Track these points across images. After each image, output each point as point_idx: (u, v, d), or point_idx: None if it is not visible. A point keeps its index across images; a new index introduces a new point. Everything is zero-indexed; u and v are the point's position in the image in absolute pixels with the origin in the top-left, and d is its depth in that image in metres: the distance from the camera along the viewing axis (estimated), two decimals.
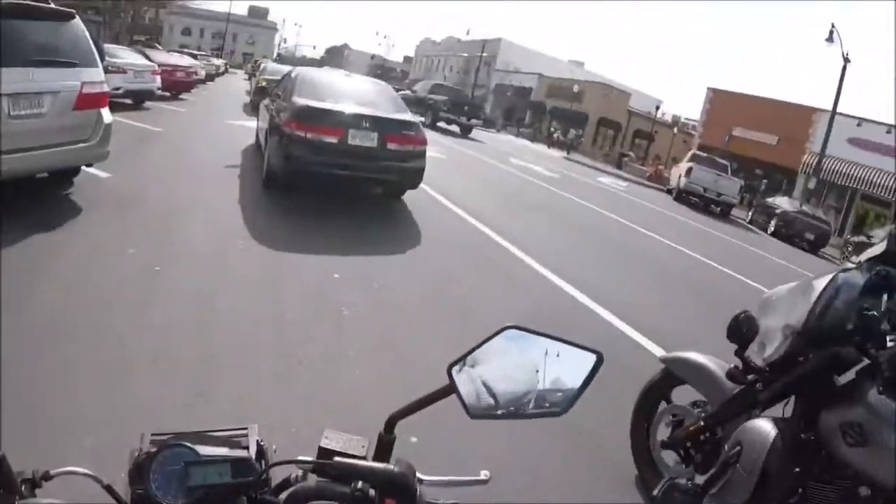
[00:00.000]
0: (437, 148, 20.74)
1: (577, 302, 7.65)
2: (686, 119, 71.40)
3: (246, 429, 1.20)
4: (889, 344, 2.47)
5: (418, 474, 1.10)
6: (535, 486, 3.78)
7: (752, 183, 43.37)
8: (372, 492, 1.04)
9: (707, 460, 3.34)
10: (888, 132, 40.30)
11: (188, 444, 1.07)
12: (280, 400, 4.01)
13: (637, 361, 5.34)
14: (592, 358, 1.24)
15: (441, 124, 35.07)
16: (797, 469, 2.77)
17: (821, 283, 2.83)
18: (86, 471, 1.07)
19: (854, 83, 79.09)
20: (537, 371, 1.21)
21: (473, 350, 1.16)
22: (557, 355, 1.23)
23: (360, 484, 1.03)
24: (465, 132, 36.03)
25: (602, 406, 4.71)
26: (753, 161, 46.46)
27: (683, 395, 3.76)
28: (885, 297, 2.77)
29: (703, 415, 3.47)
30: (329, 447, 1.16)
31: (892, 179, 38.92)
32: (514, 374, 1.20)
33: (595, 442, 4.35)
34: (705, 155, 33.04)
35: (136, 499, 1.06)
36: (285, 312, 5.48)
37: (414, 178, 10.18)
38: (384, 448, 1.17)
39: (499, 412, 1.20)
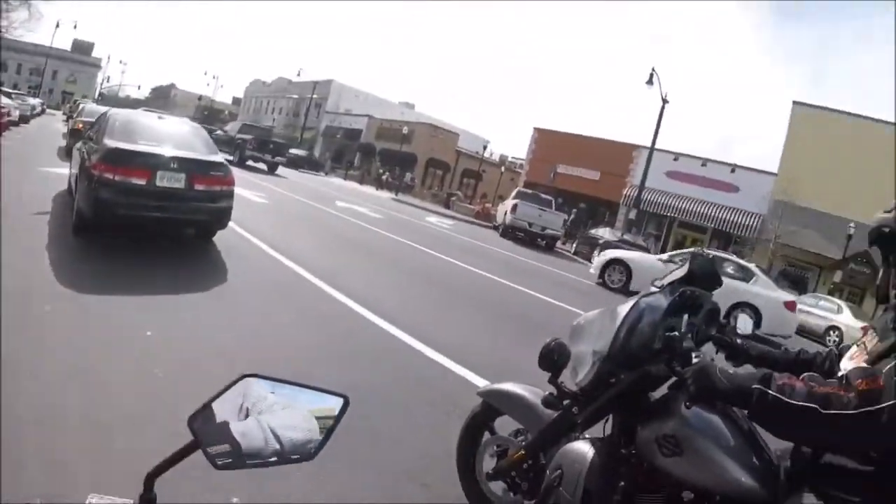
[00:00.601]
0: (258, 192, 20.57)
1: (396, 339, 7.55)
2: (513, 158, 74.13)
3: None
4: (694, 360, 2.61)
5: None
6: None
7: (578, 216, 45.40)
8: None
9: (533, 487, 3.37)
10: (702, 165, 44.29)
11: None
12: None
13: (465, 396, 5.28)
14: (339, 401, 1.24)
15: (249, 163, 36.25)
16: (622, 483, 2.86)
17: (625, 309, 2.92)
18: None
19: (672, 120, 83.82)
20: (281, 418, 1.20)
21: (213, 400, 1.13)
22: (301, 401, 1.23)
23: None
24: (272, 170, 37.52)
25: (429, 443, 4.78)
26: (578, 195, 48.62)
27: (507, 425, 3.79)
28: (685, 316, 2.95)
29: (523, 443, 3.51)
30: None
31: (705, 207, 42.61)
32: (256, 423, 1.18)
33: (424, 480, 4.32)
34: (530, 191, 33.94)
35: None
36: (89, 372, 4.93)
37: (222, 217, 10.07)
38: None
39: (246, 462, 1.16)
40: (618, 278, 19.49)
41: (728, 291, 14.67)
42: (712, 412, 2.69)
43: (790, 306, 18.16)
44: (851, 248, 37.30)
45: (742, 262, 19.95)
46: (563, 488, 2.91)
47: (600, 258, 20.68)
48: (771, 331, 16.89)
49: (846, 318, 26.86)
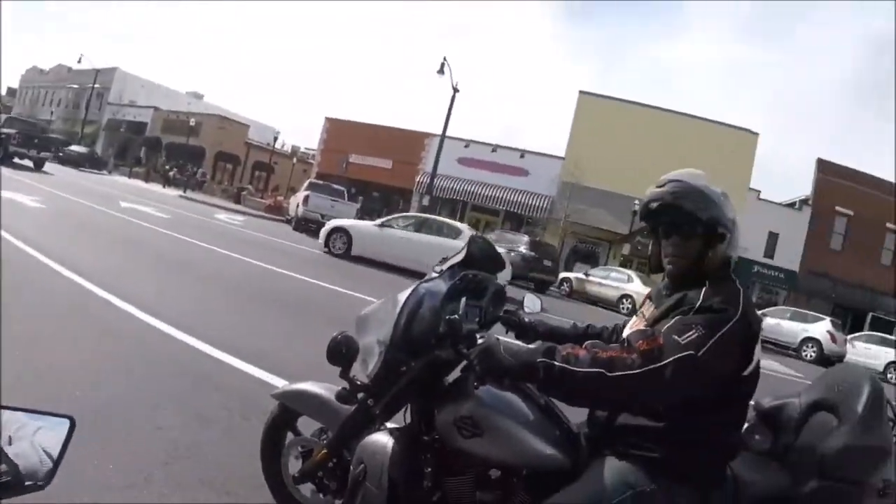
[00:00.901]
0: (34, 195, 19.24)
1: (188, 346, 7.11)
2: (306, 149, 72.97)
3: None
4: (479, 341, 2.58)
5: None
6: None
7: (371, 205, 46.33)
8: None
9: (341, 486, 3.32)
10: (493, 151, 46.35)
11: None
12: None
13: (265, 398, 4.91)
14: (65, 423, 1.16)
15: (15, 160, 34.07)
16: (429, 469, 2.89)
17: (404, 295, 2.93)
18: None
19: (463, 109, 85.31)
20: (11, 445, 1.11)
21: None
22: (29, 427, 1.13)
23: None
24: (38, 166, 35.31)
25: (230, 449, 4.60)
26: (371, 184, 49.26)
27: (310, 425, 3.70)
28: (463, 299, 2.90)
29: (324, 441, 3.43)
30: None
31: (497, 191, 44.48)
32: None
33: (228, 488, 4.13)
34: (321, 182, 33.82)
35: None
36: None
37: None
38: None
39: None
40: (340, 245, 21.03)
41: (435, 246, 18.19)
42: (506, 389, 2.74)
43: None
44: (637, 223, 39.40)
45: (452, 222, 22.38)
46: (369, 482, 2.89)
47: (325, 228, 22.12)
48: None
49: (637, 287, 28.71)
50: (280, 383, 5.43)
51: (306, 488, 3.65)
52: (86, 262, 10.56)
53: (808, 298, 42.98)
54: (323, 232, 21.87)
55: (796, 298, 42.38)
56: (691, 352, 2.28)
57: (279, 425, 3.82)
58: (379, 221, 21.99)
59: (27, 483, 1.13)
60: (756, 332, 2.48)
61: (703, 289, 2.49)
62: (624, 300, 28.40)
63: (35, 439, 1.15)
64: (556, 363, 2.36)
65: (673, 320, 2.42)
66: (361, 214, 36.28)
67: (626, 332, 2.87)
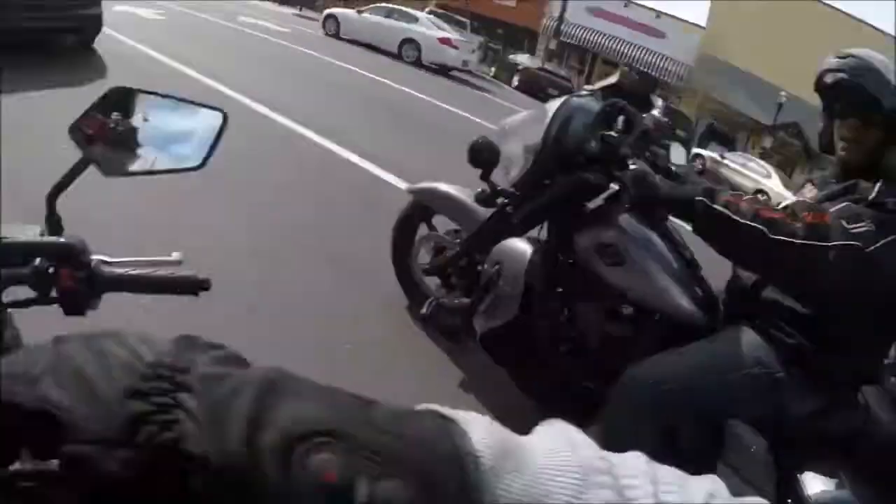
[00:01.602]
0: (156, 9, 18.82)
1: (331, 153, 7.38)
2: None
3: None
4: (631, 167, 2.54)
5: (104, 257, 1.05)
6: (303, 316, 3.75)
7: (496, 44, 44.32)
8: (50, 268, 0.99)
9: (468, 284, 3.45)
10: (625, 6, 42.78)
11: None
12: None
13: (389, 198, 5.48)
14: (218, 115, 1.20)
15: None
16: (560, 289, 3.00)
17: (555, 105, 2.96)
18: None
19: None
20: (162, 129, 1.18)
21: (90, 109, 1.09)
22: (180, 114, 1.20)
23: (37, 261, 0.98)
24: None
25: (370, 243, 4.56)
26: (494, 21, 46.40)
27: (440, 225, 3.88)
28: (621, 119, 2.91)
29: (458, 241, 3.58)
30: None
31: (630, 48, 41.70)
32: (138, 134, 1.14)
33: (363, 276, 4.39)
34: (441, 11, 32.46)
35: None
36: None
37: (95, 23, 8.98)
38: (53, 228, 1.09)
39: (130, 169, 1.18)
40: (332, 28, 24.19)
41: (396, 30, 22.85)
42: (653, 229, 2.78)
43: (444, 41, 22.93)
44: (781, 118, 37.24)
45: (408, 10, 24.68)
46: (503, 282, 2.96)
47: (323, 15, 25.51)
48: (430, 61, 22.54)
49: (775, 184, 25.60)
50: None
51: (432, 281, 3.86)
52: (213, 65, 10.58)
53: None
54: (321, 18, 25.68)
55: None
56: (859, 244, 2.12)
57: (413, 219, 3.93)
58: (357, 10, 24.96)
59: (181, 166, 1.18)
60: None
61: (878, 184, 2.27)
62: (759, 195, 25.48)
63: (190, 123, 1.18)
64: (715, 206, 2.30)
65: (843, 204, 2.26)
66: (484, 52, 35.61)
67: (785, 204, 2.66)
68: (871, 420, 2.47)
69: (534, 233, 3.16)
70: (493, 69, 33.04)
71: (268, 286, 3.87)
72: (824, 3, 39.53)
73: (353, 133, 8.30)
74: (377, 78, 15.54)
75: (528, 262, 2.90)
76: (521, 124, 3.19)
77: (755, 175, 26.72)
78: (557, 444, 0.47)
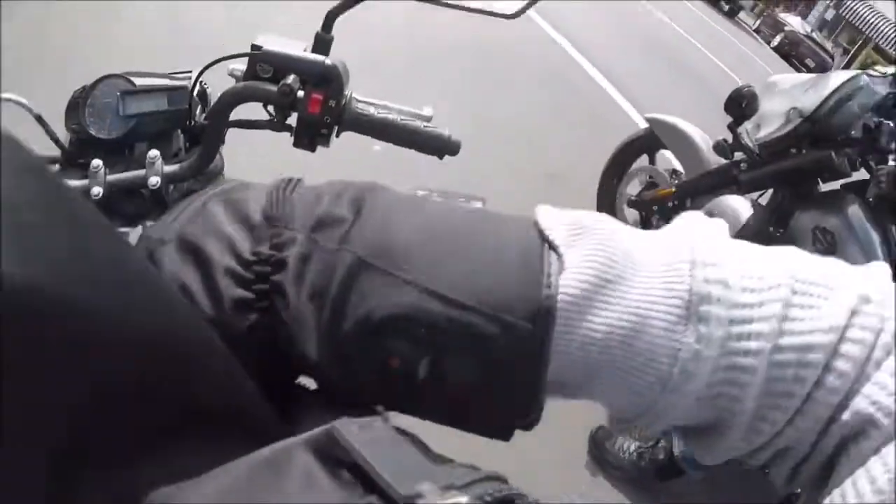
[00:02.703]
0: None
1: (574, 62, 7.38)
2: None
3: (190, 71, 1.05)
4: (891, 162, 2.44)
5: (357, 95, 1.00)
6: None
7: None
8: (300, 91, 0.95)
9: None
10: None
11: (126, 76, 0.98)
12: None
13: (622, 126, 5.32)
14: None
15: None
16: None
17: (840, 78, 2.77)
18: (18, 98, 0.98)
19: None
20: None
21: None
22: None
23: (289, 79, 0.93)
24: None
25: (581, 155, 4.67)
26: None
27: (663, 163, 3.73)
28: None
29: (675, 182, 3.43)
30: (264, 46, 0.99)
31: None
32: None
33: (565, 184, 4.38)
34: None
35: (71, 133, 0.99)
36: None
37: None
38: (321, 47, 1.01)
39: None
40: None
41: None
42: (877, 231, 2.60)
43: None
44: None
45: None
46: None
47: None
48: None
49: None
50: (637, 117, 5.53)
51: (631, 215, 3.69)
52: None
53: None
54: None
55: None
56: None
57: (637, 147, 3.81)
58: None
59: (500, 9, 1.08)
60: None
61: None
62: None
63: None
64: None
65: None
66: None
67: None
68: None
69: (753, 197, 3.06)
70: (758, 21, 31.56)
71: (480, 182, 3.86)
72: None
73: (603, 52, 8.20)
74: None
75: (742, 225, 2.82)
76: (794, 86, 3.00)
77: None
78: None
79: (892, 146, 2.64)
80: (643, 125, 4.02)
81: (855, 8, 40.04)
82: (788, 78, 3.11)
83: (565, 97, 6.07)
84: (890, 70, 2.92)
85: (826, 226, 2.63)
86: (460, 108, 4.48)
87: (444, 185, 0.96)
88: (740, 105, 2.88)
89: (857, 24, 40.84)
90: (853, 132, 2.72)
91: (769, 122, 2.91)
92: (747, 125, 2.95)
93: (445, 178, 3.14)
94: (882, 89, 2.76)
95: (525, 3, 1.04)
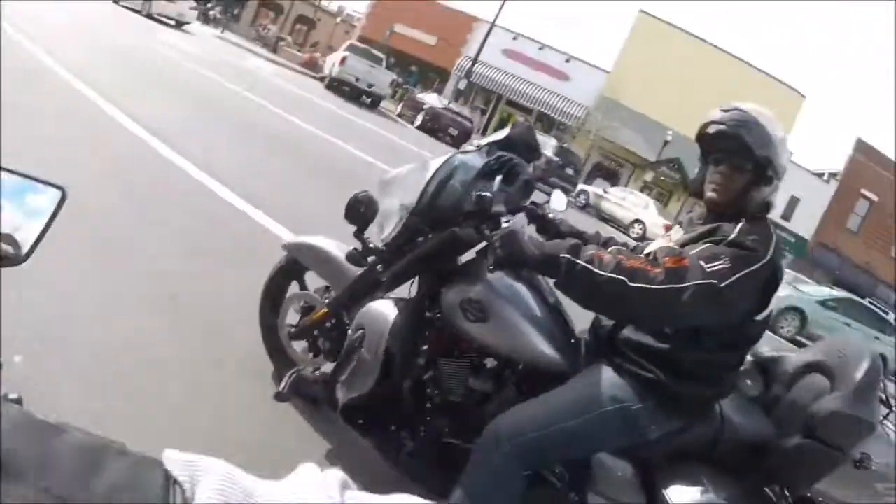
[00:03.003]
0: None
1: (201, 185, 6.88)
2: (352, 11, 71.53)
3: None
4: (504, 225, 2.55)
5: None
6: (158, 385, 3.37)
7: (407, 78, 45.65)
8: None
9: (335, 348, 3.27)
10: (540, 49, 45.62)
11: None
12: None
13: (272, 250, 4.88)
14: (56, 193, 1.03)
15: None
16: (425, 347, 2.90)
17: (437, 163, 2.88)
18: None
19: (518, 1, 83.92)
20: None
21: None
22: (8, 190, 0.99)
23: None
24: None
25: (229, 292, 4.53)
26: (411, 58, 48.68)
27: (315, 284, 3.64)
28: (498, 179, 2.84)
29: (327, 301, 3.38)
30: None
31: (535, 90, 44.36)
32: None
33: (216, 328, 4.12)
34: (362, 46, 32.78)
35: None
36: None
37: None
38: None
39: None
40: None
41: None
42: (519, 281, 2.77)
43: None
44: (665, 153, 40.59)
45: None
46: (365, 349, 2.86)
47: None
48: None
49: (651, 215, 28.32)
50: (287, 235, 5.35)
51: (299, 345, 3.59)
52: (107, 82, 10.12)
53: (813, 269, 43.14)
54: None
55: (802, 266, 42.51)
56: (714, 281, 2.27)
57: (285, 276, 3.75)
58: None
59: (7, 254, 1.01)
60: (779, 280, 2.50)
61: (739, 224, 2.46)
62: (636, 225, 28.14)
63: (22, 204, 1.04)
64: (579, 262, 2.34)
65: (703, 246, 2.41)
66: (396, 86, 36.18)
67: (651, 248, 2.82)
68: (728, 427, 2.69)
69: (404, 291, 3.07)
70: (399, 107, 33.46)
71: (128, 348, 3.48)
72: (717, 48, 43.74)
73: (233, 168, 7.99)
74: (270, 107, 15.16)
75: (392, 325, 2.82)
76: (401, 179, 3.04)
77: (634, 207, 29.18)
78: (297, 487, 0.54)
79: (501, 211, 2.75)
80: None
81: (483, 73, 44.05)
82: (397, 172, 3.14)
83: (211, 232, 5.75)
84: (483, 142, 3.08)
85: (471, 296, 2.70)
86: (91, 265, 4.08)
87: None
88: (360, 212, 2.95)
89: (486, 87, 45.30)
90: (467, 206, 2.78)
91: (389, 220, 2.91)
92: (373, 227, 2.99)
93: None
94: (479, 161, 2.91)
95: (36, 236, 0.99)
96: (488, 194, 2.67)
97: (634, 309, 2.41)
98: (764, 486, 2.79)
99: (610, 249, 2.53)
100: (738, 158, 2.52)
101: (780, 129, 2.57)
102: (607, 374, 2.57)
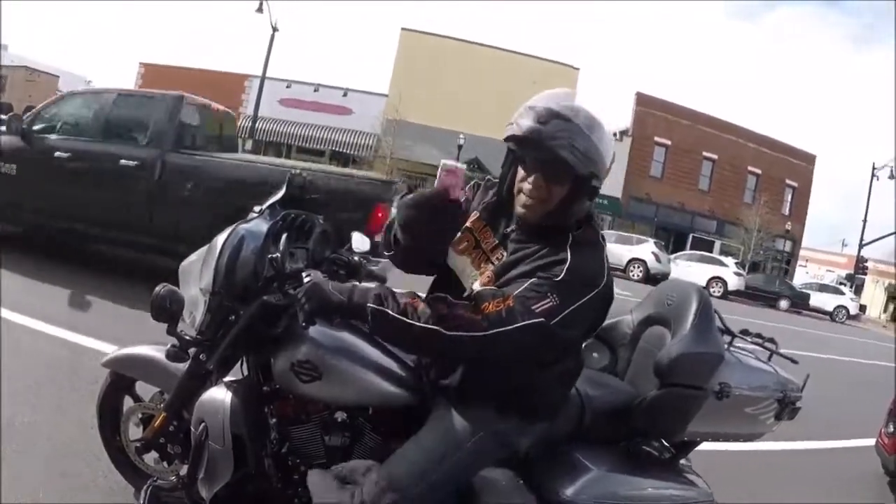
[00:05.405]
0: None
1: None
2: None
3: None
4: (305, 280, 2.47)
5: None
6: None
7: None
8: None
9: (186, 449, 3.13)
10: (315, 90, 46.30)
11: None
12: None
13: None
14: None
15: None
16: (273, 420, 2.87)
17: (222, 239, 2.82)
18: None
19: (283, 48, 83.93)
20: None
21: None
22: None
23: None
24: None
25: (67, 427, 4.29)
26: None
27: (149, 391, 3.49)
28: (283, 237, 2.85)
29: (163, 405, 3.24)
30: None
31: (321, 131, 45.13)
32: None
33: (66, 469, 3.88)
34: None
35: None
36: None
37: None
38: None
39: None
40: None
41: None
42: (342, 329, 2.72)
43: None
44: (463, 156, 40.93)
45: None
46: (212, 441, 2.79)
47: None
48: None
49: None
50: (108, 348, 4.83)
51: (150, 457, 3.43)
52: None
53: (633, 223, 45.22)
54: None
55: (621, 223, 44.48)
56: (542, 320, 2.23)
57: (114, 393, 3.62)
58: None
59: None
60: (611, 297, 2.46)
61: (568, 257, 2.33)
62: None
63: None
64: (388, 311, 2.30)
65: (528, 283, 2.30)
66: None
67: (452, 258, 2.73)
68: (588, 402, 2.77)
69: (237, 373, 3.04)
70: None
71: None
72: (482, 45, 45.36)
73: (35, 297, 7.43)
74: None
75: (230, 410, 2.77)
76: (194, 264, 2.99)
77: None
78: None
79: (299, 268, 2.79)
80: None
81: (267, 128, 44.76)
82: (190, 259, 3.09)
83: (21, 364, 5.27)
84: (264, 206, 3.04)
85: (299, 357, 2.66)
86: None
87: None
88: (166, 307, 2.78)
89: (274, 140, 45.77)
90: (266, 272, 2.76)
91: (196, 308, 2.84)
92: (185, 319, 2.88)
93: None
94: (263, 226, 2.89)
95: None
96: (278, 254, 2.66)
97: (458, 354, 2.39)
98: (642, 445, 2.86)
99: (427, 297, 2.46)
100: (555, 173, 2.35)
101: (606, 131, 2.37)
102: (460, 407, 2.56)
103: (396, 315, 2.29)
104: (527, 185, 2.40)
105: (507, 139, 2.42)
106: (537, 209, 2.41)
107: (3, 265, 8.22)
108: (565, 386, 2.67)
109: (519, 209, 2.47)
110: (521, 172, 2.45)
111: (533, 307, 2.23)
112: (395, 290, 2.40)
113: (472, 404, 2.55)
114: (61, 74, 65.68)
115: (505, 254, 2.53)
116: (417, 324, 2.27)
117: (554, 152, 2.27)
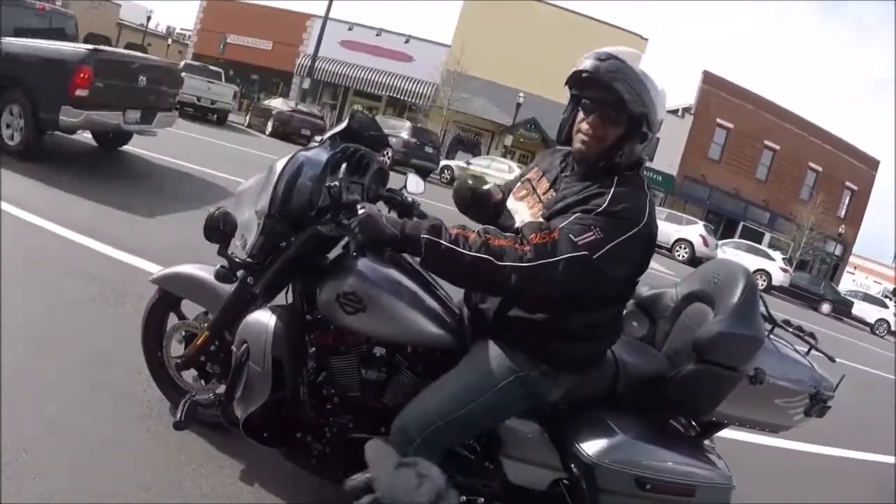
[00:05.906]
0: None
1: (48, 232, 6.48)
2: (182, 29, 70.34)
3: None
4: (360, 211, 2.49)
5: None
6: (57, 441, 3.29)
7: (250, 88, 46.10)
8: None
9: (225, 369, 3.25)
10: (377, 35, 45.74)
11: None
12: None
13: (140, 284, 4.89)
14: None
15: None
16: (313, 349, 2.94)
17: (279, 166, 2.84)
18: None
19: None
20: None
21: None
22: None
23: None
24: None
25: (112, 341, 4.39)
26: (250, 66, 48.16)
27: (194, 310, 3.60)
28: (343, 167, 2.98)
29: (206, 325, 3.33)
30: None
31: (380, 76, 44.61)
32: None
33: (101, 378, 3.95)
34: (198, 64, 31.90)
35: None
36: None
37: None
38: None
39: None
40: None
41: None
42: (389, 266, 2.80)
43: None
44: (520, 116, 41.41)
45: None
46: (252, 362, 2.87)
47: None
48: None
49: (515, 177, 28.58)
50: (155, 268, 4.94)
51: (190, 375, 3.59)
52: None
53: (685, 202, 44.70)
54: None
55: (673, 202, 43.98)
56: (585, 252, 2.30)
57: (160, 311, 3.72)
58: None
59: None
60: (654, 241, 2.53)
61: (612, 189, 2.44)
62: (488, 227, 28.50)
63: None
64: (441, 241, 2.36)
65: (573, 216, 2.39)
66: (240, 97, 35.65)
67: (512, 205, 2.89)
68: (623, 369, 2.81)
69: (282, 299, 3.11)
70: (248, 117, 32.66)
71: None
72: (551, 4, 44.69)
73: (84, 213, 7.56)
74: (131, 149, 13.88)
75: (273, 334, 2.84)
76: (251, 188, 3.05)
77: (498, 173, 29.02)
78: None
79: (355, 199, 2.84)
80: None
81: (326, 68, 44.21)
82: (247, 183, 3.14)
83: (69, 279, 5.38)
84: (325, 136, 3.07)
85: (345, 289, 2.71)
86: None
87: None
88: (219, 229, 2.86)
89: (331, 81, 45.33)
90: (321, 202, 2.80)
91: (249, 231, 2.91)
92: (236, 242, 2.96)
93: None
94: (323, 155, 2.87)
95: None
96: (337, 184, 2.71)
97: (505, 286, 2.39)
98: (669, 419, 2.94)
99: (477, 229, 2.48)
100: (611, 111, 2.48)
101: (658, 82, 2.50)
102: (496, 348, 2.64)
103: (449, 244, 2.36)
104: (584, 125, 2.54)
105: (568, 80, 2.59)
106: (593, 147, 2.53)
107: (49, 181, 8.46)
108: (600, 342, 2.73)
109: (577, 146, 2.59)
110: (580, 115, 2.58)
111: (577, 240, 2.31)
112: (444, 223, 2.45)
113: (507, 349, 2.62)
114: (122, 3, 66.27)
115: (556, 194, 2.64)
116: (469, 253, 2.33)
117: (610, 86, 2.41)
